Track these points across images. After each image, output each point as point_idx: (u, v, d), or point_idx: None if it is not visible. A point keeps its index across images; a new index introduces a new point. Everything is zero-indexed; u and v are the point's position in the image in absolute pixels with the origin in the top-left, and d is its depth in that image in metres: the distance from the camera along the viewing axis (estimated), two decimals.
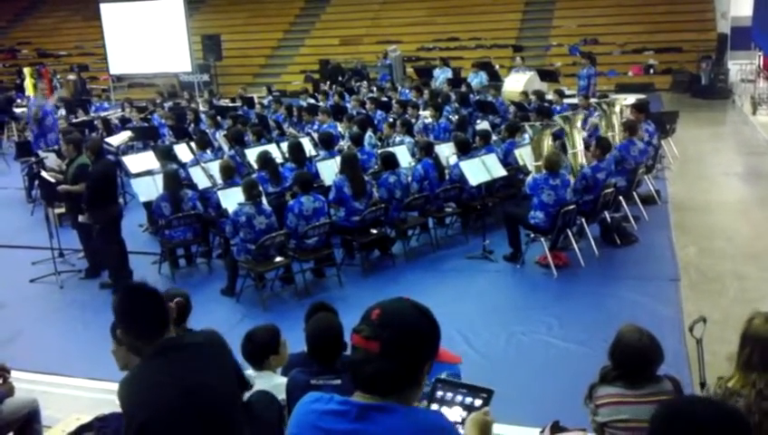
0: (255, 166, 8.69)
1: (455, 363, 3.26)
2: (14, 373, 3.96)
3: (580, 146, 8.94)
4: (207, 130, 11.91)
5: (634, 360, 3.30)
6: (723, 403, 2.22)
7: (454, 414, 2.06)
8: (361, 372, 1.83)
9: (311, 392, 1.98)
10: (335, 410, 1.84)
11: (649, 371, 3.31)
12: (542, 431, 4.06)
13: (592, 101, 12.20)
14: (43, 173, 8.47)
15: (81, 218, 7.62)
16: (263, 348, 3.79)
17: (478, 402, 2.06)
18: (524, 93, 13.58)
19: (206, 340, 2.94)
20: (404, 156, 9.17)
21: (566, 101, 13.07)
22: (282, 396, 3.56)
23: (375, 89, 16.05)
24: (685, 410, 1.93)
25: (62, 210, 8.99)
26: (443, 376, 2.17)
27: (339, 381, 3.19)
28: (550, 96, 13.44)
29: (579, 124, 8.95)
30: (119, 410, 4.13)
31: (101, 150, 8.05)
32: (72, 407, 4.71)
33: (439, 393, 2.08)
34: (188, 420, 2.72)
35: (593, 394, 3.41)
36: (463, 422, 2.03)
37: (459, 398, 2.08)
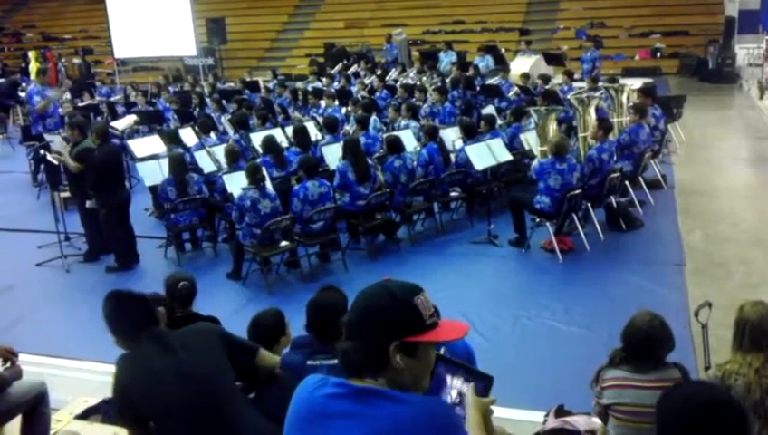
0: (260, 150, 8.68)
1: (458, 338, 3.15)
2: (21, 356, 3.98)
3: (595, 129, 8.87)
4: (212, 115, 11.89)
5: (640, 343, 3.31)
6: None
7: (450, 394, 2.03)
8: (339, 356, 1.86)
9: (308, 377, 1.98)
10: (332, 393, 1.83)
11: (656, 356, 3.31)
12: (546, 415, 4.08)
13: (600, 84, 12.12)
14: (48, 156, 8.48)
15: (87, 204, 7.63)
16: (272, 331, 3.79)
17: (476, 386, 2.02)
18: (525, 76, 13.50)
19: (193, 330, 3.06)
20: (409, 140, 9.14)
21: (573, 84, 12.98)
22: None
23: (379, 72, 16.04)
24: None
25: (68, 194, 9.02)
26: (441, 352, 2.08)
27: (335, 361, 3.18)
28: (557, 80, 13.36)
29: (593, 109, 8.86)
30: None
31: (107, 135, 8.06)
32: (79, 390, 4.74)
33: (438, 371, 2.01)
34: (181, 402, 2.78)
35: (600, 377, 3.42)
36: (460, 403, 2.01)
37: (458, 380, 2.05)
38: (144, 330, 2.94)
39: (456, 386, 2.02)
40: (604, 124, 8.19)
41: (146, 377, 2.81)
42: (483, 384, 1.99)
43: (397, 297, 1.82)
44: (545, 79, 12.85)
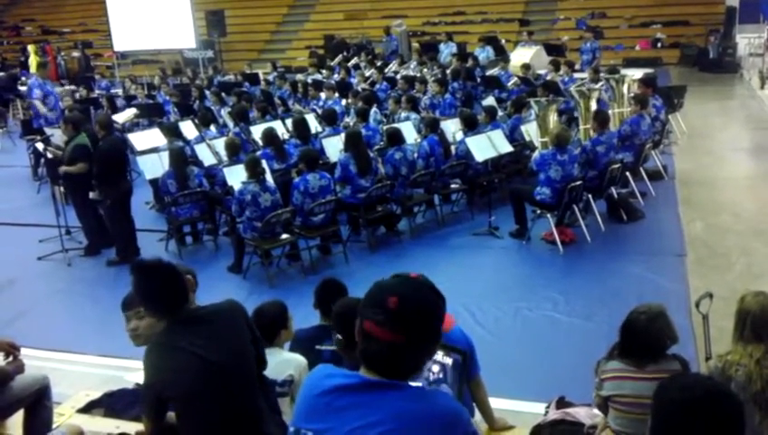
0: (260, 143, 8.68)
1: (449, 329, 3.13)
2: (23, 350, 3.97)
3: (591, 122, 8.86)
4: (212, 107, 11.88)
5: (629, 338, 3.32)
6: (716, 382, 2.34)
7: (432, 369, 2.07)
8: (380, 358, 1.78)
9: (318, 367, 1.98)
10: (342, 384, 1.83)
11: (653, 351, 3.30)
12: (547, 406, 4.08)
13: (601, 75, 12.09)
14: (47, 152, 8.48)
15: (91, 195, 7.62)
16: (272, 323, 3.79)
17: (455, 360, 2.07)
18: (526, 66, 13.45)
19: (223, 310, 2.98)
20: (410, 132, 9.13)
21: (574, 75, 12.96)
22: (289, 371, 3.60)
23: (379, 64, 16.02)
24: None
25: None
26: None
27: None
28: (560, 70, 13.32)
29: (594, 101, 8.84)
30: (127, 386, 4.17)
31: (111, 126, 8.06)
32: (81, 383, 4.74)
33: None
34: (209, 387, 2.77)
35: (600, 368, 3.43)
36: (444, 378, 2.05)
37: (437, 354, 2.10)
38: (171, 312, 2.80)
39: (435, 359, 2.06)
40: (598, 116, 8.14)
41: (171, 367, 2.76)
42: (461, 357, 2.05)
43: (443, 299, 1.84)
44: (556, 66, 12.82)
